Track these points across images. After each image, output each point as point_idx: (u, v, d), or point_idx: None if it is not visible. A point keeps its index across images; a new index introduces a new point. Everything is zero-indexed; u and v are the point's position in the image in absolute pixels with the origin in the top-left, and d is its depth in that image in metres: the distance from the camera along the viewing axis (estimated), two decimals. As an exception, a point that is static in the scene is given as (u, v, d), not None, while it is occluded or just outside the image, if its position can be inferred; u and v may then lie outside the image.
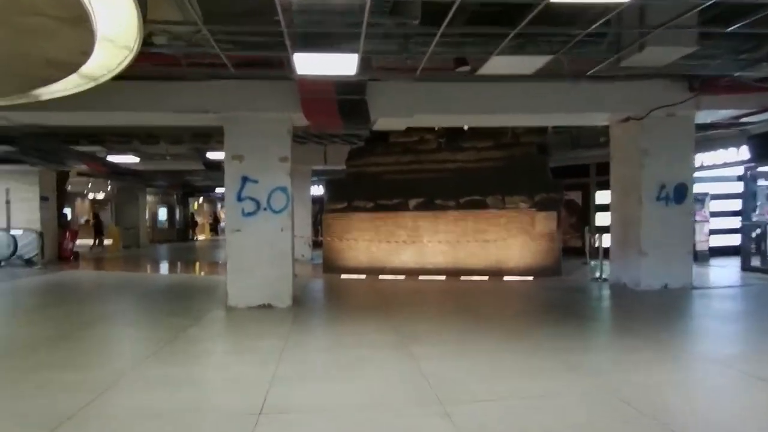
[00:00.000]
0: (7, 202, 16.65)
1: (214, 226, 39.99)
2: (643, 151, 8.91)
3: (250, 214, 8.08)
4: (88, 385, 4.32)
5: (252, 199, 8.06)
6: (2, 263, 15.02)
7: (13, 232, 15.39)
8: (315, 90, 7.68)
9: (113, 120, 9.09)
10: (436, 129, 12.50)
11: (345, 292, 10.37)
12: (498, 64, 6.67)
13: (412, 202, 12.27)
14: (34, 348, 5.74)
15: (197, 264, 18.27)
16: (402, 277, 11.82)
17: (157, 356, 5.37)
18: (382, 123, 8.98)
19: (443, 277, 11.61)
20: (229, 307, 8.02)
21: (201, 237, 34.91)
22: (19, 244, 16.25)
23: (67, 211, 23.60)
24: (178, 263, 18.72)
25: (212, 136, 11.85)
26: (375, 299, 9.31)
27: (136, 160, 14.30)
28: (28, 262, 15.95)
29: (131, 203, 24.95)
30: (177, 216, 32.31)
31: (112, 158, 14.42)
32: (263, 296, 8.11)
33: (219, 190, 31.69)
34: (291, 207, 8.20)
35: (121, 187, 24.38)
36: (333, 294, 10.51)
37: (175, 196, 31.59)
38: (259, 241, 8.06)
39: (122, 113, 8.31)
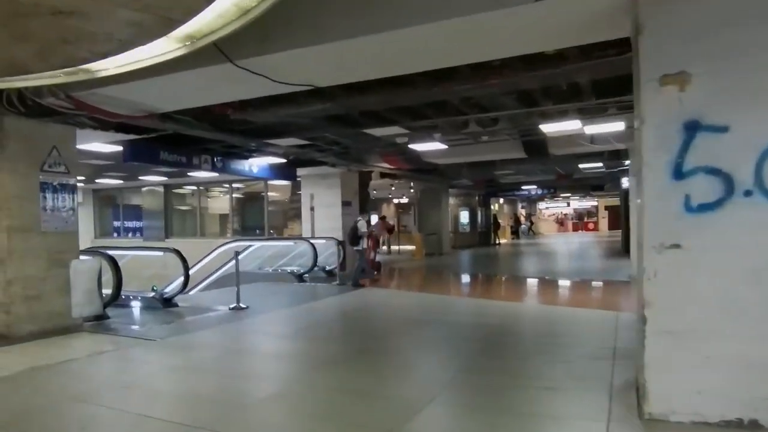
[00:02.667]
0: (311, 209, 15.40)
1: (515, 229, 36.59)
2: None
3: (706, 207, 3.50)
4: None
5: (712, 171, 3.48)
6: (305, 277, 13.48)
7: (314, 241, 13.81)
8: None
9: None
10: None
11: None
12: None
13: None
14: None
15: (520, 280, 14.38)
16: None
17: None
18: None
19: None
20: (649, 419, 3.60)
21: (502, 241, 31.48)
22: (321, 255, 14.86)
23: (373, 217, 22.58)
24: (495, 278, 15.13)
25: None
26: None
27: (442, 147, 10.92)
28: (329, 274, 14.30)
29: (434, 206, 22.75)
30: (479, 218, 29.47)
31: (415, 147, 11.30)
32: (743, 401, 3.46)
33: (526, 187, 27.67)
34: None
35: (424, 189, 22.37)
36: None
37: (477, 197, 28.81)
38: (734, 267, 3.44)
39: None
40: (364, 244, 12.72)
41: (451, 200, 25.77)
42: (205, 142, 10.23)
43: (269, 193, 20.85)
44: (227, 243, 14.74)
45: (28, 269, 6.96)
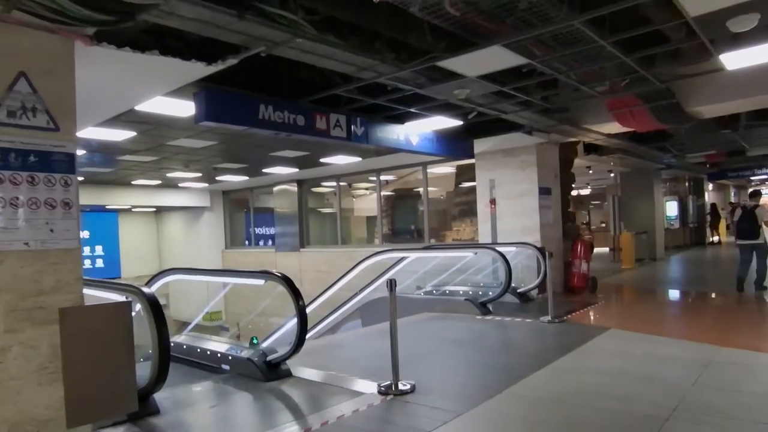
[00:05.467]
0: (492, 203, 10.64)
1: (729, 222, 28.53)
2: None
3: None
4: None
5: None
6: (489, 306, 8.80)
7: (502, 248, 9.05)
8: None
9: None
10: None
11: None
12: None
13: None
14: None
15: None
16: None
17: None
18: None
19: None
20: None
21: (716, 238, 24.02)
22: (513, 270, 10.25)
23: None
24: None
25: None
26: None
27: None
28: (523, 298, 9.50)
29: (642, 196, 16.81)
30: (690, 210, 22.53)
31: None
32: None
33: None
34: None
35: (628, 172, 16.59)
36: None
37: (687, 183, 22.01)
38: None
39: None
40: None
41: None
42: (334, 86, 6.02)
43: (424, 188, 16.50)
44: (378, 253, 10.57)
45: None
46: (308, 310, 9.19)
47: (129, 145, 9.08)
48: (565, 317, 7.80)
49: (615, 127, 8.97)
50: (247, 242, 17.92)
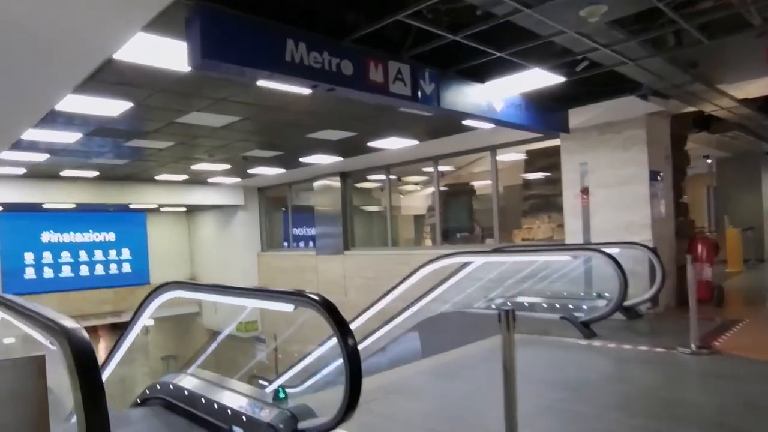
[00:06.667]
0: (584, 192, 8.44)
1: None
2: None
3: None
4: None
5: None
6: (591, 326, 6.66)
7: (612, 250, 6.84)
8: None
9: None
10: None
11: None
12: None
13: None
14: None
15: None
16: None
17: None
18: None
19: None
20: None
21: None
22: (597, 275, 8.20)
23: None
24: None
25: None
26: None
27: None
28: (629, 313, 7.36)
29: (746, 186, 14.19)
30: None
31: None
32: None
33: None
34: None
35: (727, 158, 14.01)
36: None
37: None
38: None
39: None
40: None
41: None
42: (395, 9, 4.04)
43: (478, 183, 14.38)
44: (444, 257, 8.59)
45: None
46: (354, 325, 7.30)
47: (132, 125, 7.36)
48: (712, 345, 5.59)
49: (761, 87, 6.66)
50: (285, 244, 16.12)
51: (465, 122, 7.32)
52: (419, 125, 8.08)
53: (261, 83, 5.44)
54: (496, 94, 5.83)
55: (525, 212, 11.79)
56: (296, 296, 3.37)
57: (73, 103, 5.98)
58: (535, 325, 7.16)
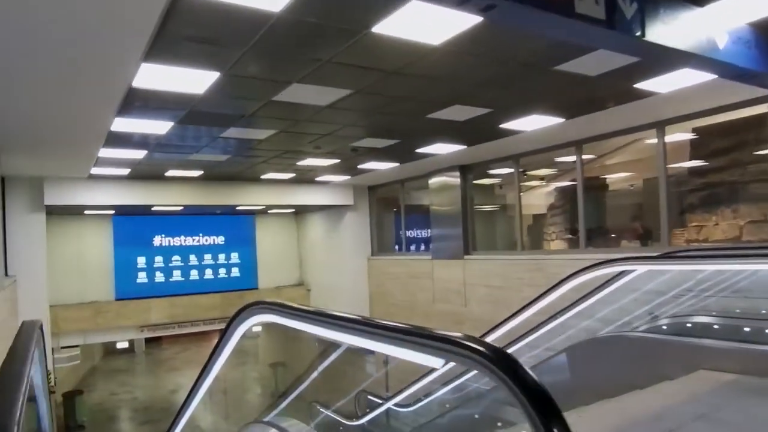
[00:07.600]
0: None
1: None
2: None
3: None
4: None
5: None
6: None
7: None
8: None
9: None
10: None
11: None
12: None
13: None
14: None
15: None
16: None
17: None
18: None
19: None
20: None
21: None
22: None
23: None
24: None
25: None
26: None
27: None
28: None
29: None
30: None
31: None
32: None
33: None
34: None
35: None
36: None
37: None
38: None
39: None
40: None
41: None
42: None
43: (617, 175, 12.09)
44: (607, 263, 6.63)
45: None
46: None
47: (224, 106, 6.27)
48: None
49: None
50: (396, 247, 14.75)
51: (670, 73, 5.41)
52: (580, 91, 6.21)
53: (376, 30, 3.99)
54: (718, 23, 3.92)
55: (693, 206, 9.44)
56: (456, 346, 1.78)
57: (150, 78, 4.93)
58: (744, 360, 5.06)
